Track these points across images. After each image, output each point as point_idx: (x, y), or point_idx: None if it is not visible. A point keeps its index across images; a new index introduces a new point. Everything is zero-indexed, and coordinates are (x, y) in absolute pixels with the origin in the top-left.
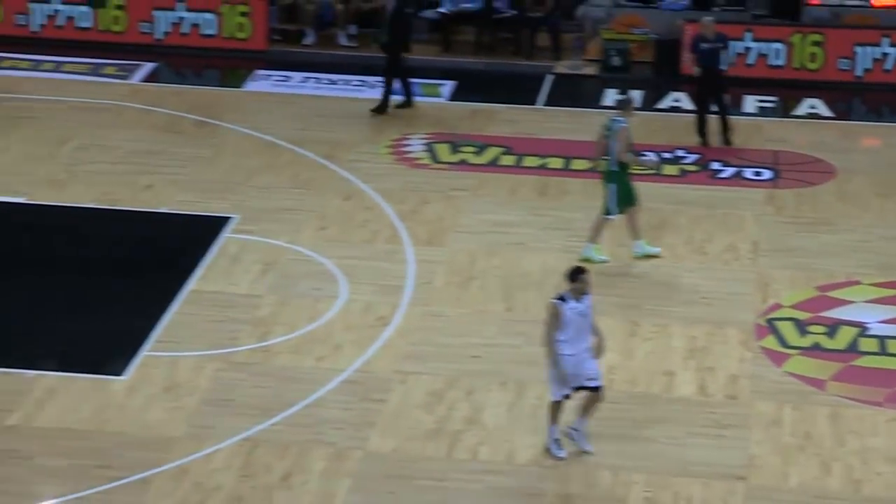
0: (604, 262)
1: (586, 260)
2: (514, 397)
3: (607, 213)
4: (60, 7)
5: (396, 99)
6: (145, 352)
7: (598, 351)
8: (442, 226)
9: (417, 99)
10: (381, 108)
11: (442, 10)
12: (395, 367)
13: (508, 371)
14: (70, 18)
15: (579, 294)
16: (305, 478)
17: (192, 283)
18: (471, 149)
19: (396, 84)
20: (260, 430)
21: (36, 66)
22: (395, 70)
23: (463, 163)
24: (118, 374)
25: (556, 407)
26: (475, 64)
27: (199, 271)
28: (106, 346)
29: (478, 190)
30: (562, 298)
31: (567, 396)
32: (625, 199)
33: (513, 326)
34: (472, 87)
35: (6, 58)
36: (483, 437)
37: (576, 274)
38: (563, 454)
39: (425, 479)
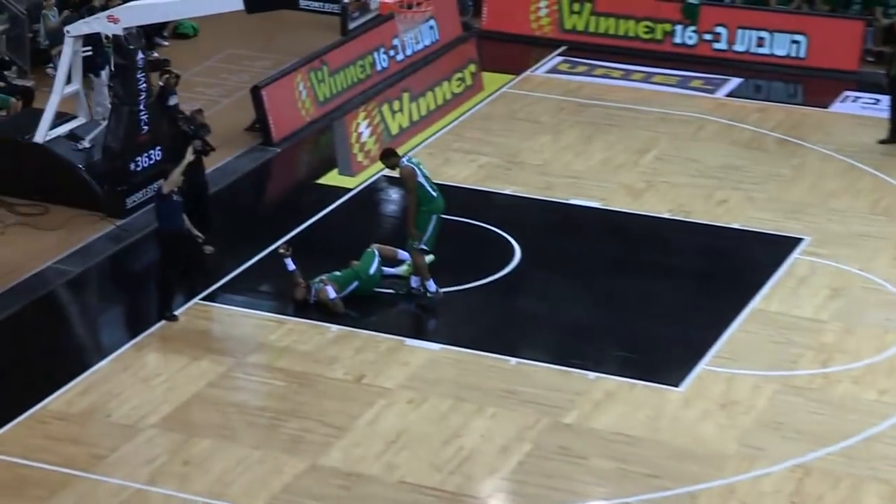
0: None
1: None
2: None
3: None
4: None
5: None
6: (703, 365)
7: None
8: None
9: None
10: (891, 139)
11: None
12: None
13: None
14: (668, 34)
15: None
16: None
17: (757, 302)
18: None
19: None
20: (813, 458)
21: (627, 75)
22: None
23: None
24: (675, 384)
25: None
26: None
27: (765, 290)
28: (666, 356)
29: None
30: None
31: None
32: None
33: None
34: None
35: (600, 66)
36: None
37: None
38: None
39: None
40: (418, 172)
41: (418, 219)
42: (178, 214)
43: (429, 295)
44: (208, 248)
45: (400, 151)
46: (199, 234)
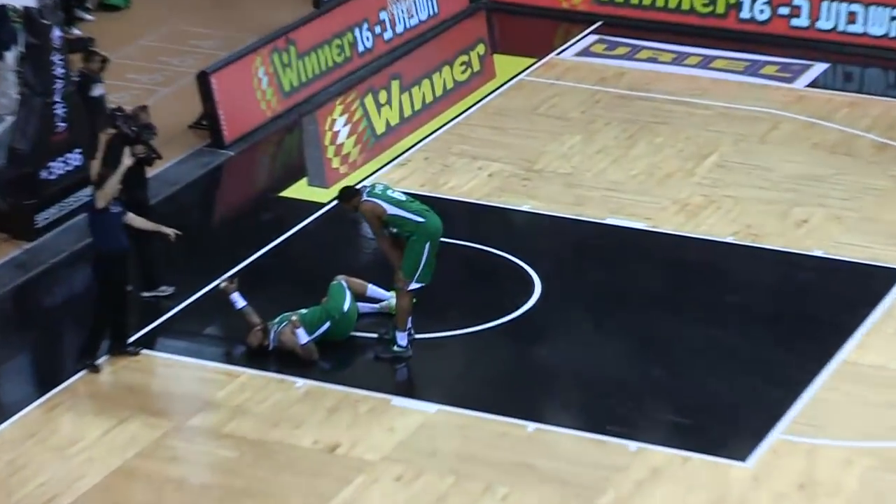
0: None
1: None
2: None
3: None
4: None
5: None
6: (778, 434)
7: None
8: None
9: None
10: None
11: None
12: None
13: None
14: (732, 7)
15: None
16: None
17: (847, 353)
18: None
19: None
20: None
21: (680, 59)
22: None
23: None
24: (741, 458)
25: None
26: None
27: (857, 337)
28: (729, 421)
29: None
30: None
31: None
32: None
33: None
34: None
35: (646, 47)
36: None
37: None
38: None
39: None
40: (384, 206)
41: (407, 250)
42: (119, 229)
43: (395, 349)
44: (166, 289)
45: (385, 157)
46: (169, 231)
